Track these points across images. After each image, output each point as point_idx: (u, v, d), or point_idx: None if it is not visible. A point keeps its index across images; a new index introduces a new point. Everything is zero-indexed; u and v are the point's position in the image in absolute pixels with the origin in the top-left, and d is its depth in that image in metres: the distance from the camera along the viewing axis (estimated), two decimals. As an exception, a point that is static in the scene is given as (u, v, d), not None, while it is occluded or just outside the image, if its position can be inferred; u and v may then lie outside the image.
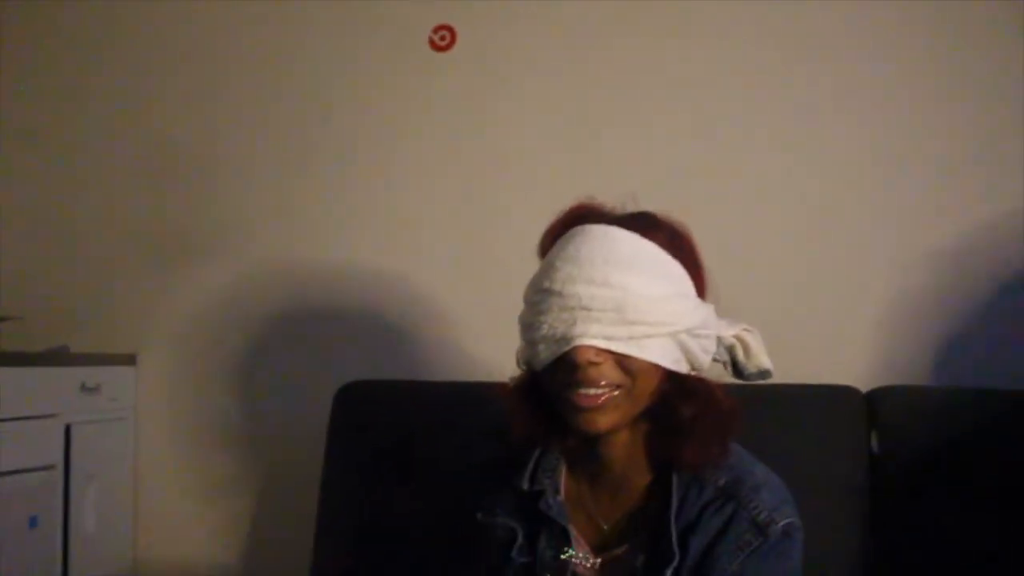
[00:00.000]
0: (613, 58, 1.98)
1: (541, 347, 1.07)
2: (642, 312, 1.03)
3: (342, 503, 1.67)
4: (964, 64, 1.81)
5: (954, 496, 1.44)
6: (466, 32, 2.06)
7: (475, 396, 1.60)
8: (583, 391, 1.05)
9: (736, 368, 1.17)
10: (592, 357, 1.03)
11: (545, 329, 1.06)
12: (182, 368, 2.21)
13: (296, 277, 2.14)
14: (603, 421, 1.06)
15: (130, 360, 2.24)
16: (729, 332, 1.15)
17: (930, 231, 1.80)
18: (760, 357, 1.15)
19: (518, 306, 1.13)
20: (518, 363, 1.17)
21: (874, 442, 1.50)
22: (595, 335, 1.03)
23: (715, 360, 1.15)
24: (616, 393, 1.06)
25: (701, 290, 1.13)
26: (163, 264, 2.24)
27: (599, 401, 1.05)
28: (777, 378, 1.35)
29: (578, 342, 1.03)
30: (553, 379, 1.08)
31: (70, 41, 2.32)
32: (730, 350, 1.16)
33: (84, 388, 2.07)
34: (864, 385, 1.57)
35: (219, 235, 2.20)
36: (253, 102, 2.20)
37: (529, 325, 1.09)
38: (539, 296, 1.08)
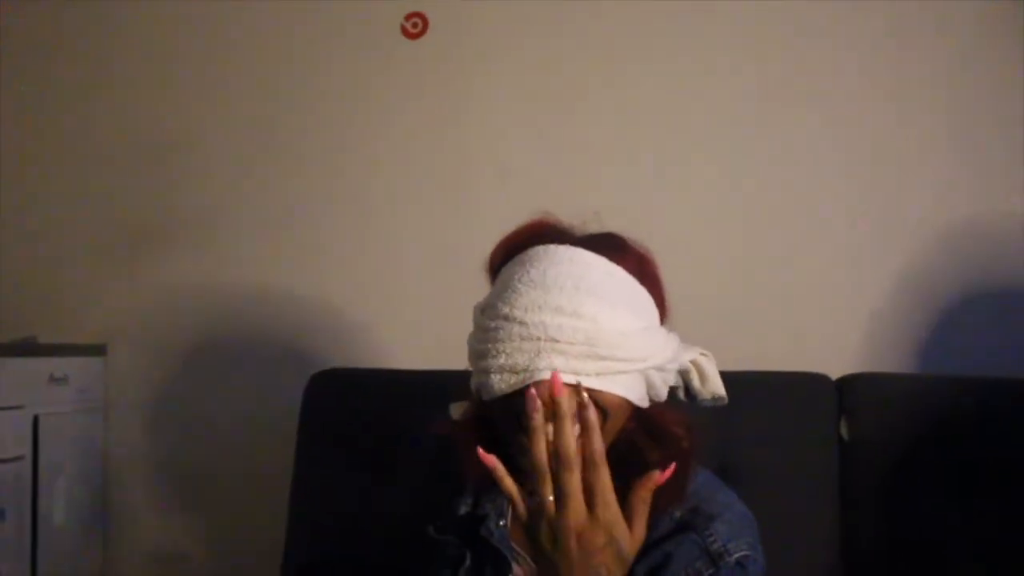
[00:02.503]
0: (589, 43, 1.99)
1: (496, 378, 0.97)
2: (614, 347, 0.95)
3: (314, 492, 1.66)
4: (938, 50, 1.83)
5: (922, 482, 1.45)
6: (438, 19, 2.05)
7: (449, 384, 1.60)
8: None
9: (688, 393, 1.10)
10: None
11: (503, 359, 0.96)
12: (152, 359, 2.19)
13: (267, 268, 2.12)
14: None
15: (99, 351, 2.21)
16: (686, 357, 1.07)
17: (903, 222, 1.82)
18: (715, 382, 1.08)
19: (492, 295, 1.11)
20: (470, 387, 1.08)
21: (843, 428, 1.51)
22: (561, 368, 0.93)
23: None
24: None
25: (664, 316, 1.06)
26: (133, 255, 2.22)
27: None
28: (749, 365, 1.37)
29: (540, 375, 0.93)
30: (506, 415, 0.98)
31: (37, 33, 2.29)
32: (684, 375, 1.08)
33: (52, 379, 2.05)
34: (834, 373, 1.59)
35: (189, 227, 2.19)
36: (224, 93, 2.18)
37: (482, 353, 0.99)
38: (496, 323, 0.98)
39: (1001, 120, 1.78)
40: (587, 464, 0.88)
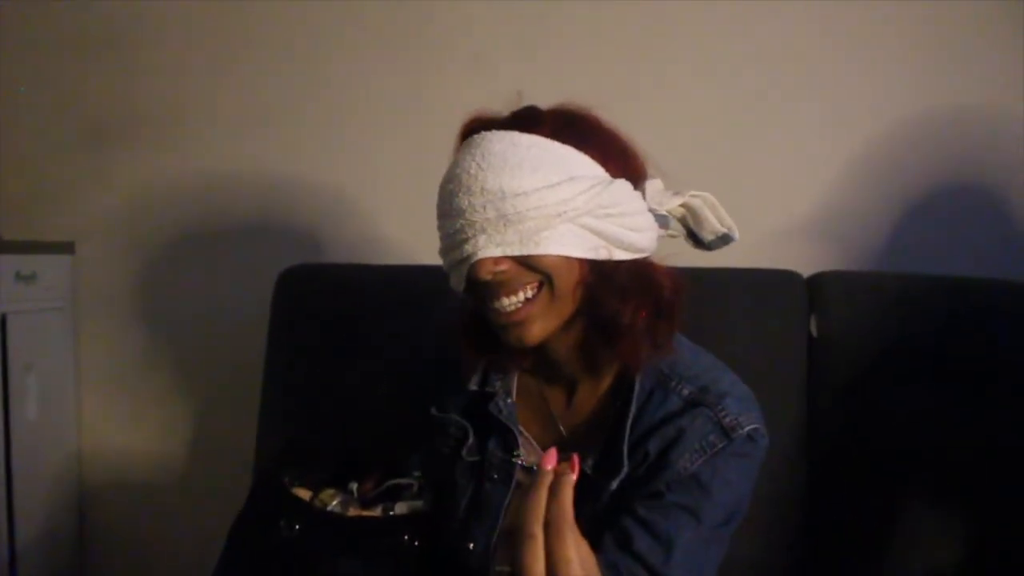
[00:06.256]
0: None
1: (452, 275, 1.05)
2: (522, 208, 0.96)
3: (285, 388, 1.67)
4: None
5: (889, 379, 1.46)
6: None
7: (418, 279, 1.60)
8: (500, 306, 1.02)
9: (696, 239, 1.12)
10: (491, 267, 0.99)
11: (448, 256, 1.03)
12: (122, 257, 2.16)
13: (236, 164, 2.08)
14: (532, 333, 1.02)
15: (68, 248, 2.18)
16: (673, 203, 1.08)
17: (875, 117, 1.80)
18: (711, 222, 1.09)
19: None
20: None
21: (813, 326, 1.52)
22: (485, 246, 0.98)
23: (671, 236, 1.10)
24: (534, 307, 1.01)
25: (621, 169, 1.04)
26: (101, 151, 2.15)
27: (520, 315, 1.01)
28: (720, 262, 1.36)
29: (473, 259, 0.99)
30: (476, 301, 1.06)
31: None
32: (682, 221, 1.11)
33: (19, 276, 2.01)
34: (806, 270, 1.59)
35: (159, 123, 2.12)
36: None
37: (441, 253, 1.06)
38: (439, 223, 1.05)
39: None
40: (551, 530, 0.78)
